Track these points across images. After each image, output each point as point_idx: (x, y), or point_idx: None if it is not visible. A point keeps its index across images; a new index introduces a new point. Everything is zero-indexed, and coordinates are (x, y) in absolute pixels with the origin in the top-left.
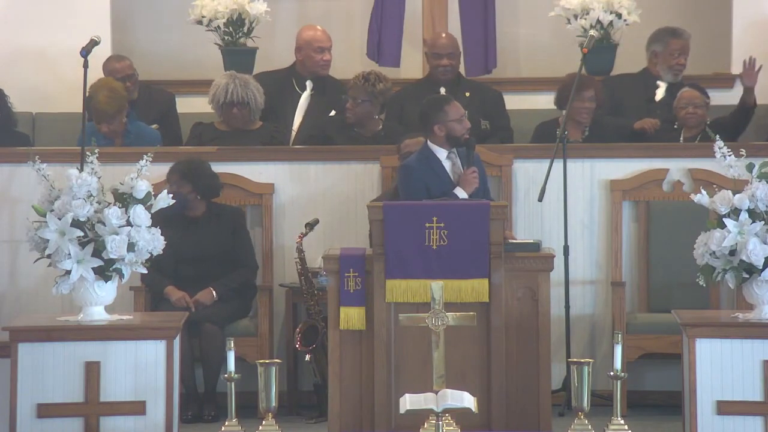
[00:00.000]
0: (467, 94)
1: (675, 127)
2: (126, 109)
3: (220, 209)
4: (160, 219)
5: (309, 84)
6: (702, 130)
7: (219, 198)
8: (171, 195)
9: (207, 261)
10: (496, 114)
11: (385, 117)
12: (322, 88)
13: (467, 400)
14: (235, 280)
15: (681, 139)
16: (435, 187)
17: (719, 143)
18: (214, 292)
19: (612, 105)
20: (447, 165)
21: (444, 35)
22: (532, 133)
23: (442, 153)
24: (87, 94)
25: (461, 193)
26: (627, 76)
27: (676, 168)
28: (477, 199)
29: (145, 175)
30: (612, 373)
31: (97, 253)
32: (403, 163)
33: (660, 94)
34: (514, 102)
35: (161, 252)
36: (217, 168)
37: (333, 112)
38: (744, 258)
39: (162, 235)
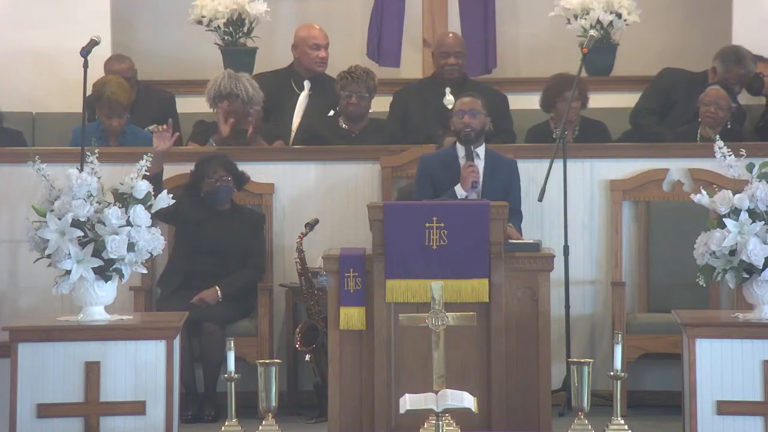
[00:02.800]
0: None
1: (699, 120)
2: (126, 112)
3: (243, 209)
4: (181, 210)
5: (307, 84)
6: (718, 132)
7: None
8: (216, 188)
9: (222, 255)
10: (500, 117)
11: (389, 115)
12: (320, 88)
13: (467, 400)
14: (241, 279)
15: (698, 136)
16: (441, 182)
17: (719, 143)
18: (219, 292)
19: (663, 102)
20: (463, 162)
21: (451, 35)
22: (524, 136)
23: (461, 150)
24: (90, 93)
25: (459, 190)
26: (684, 74)
27: (676, 168)
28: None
29: (145, 175)
30: (612, 373)
31: (97, 253)
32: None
33: None
34: (513, 102)
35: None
36: None
37: (332, 112)
38: (744, 258)
39: (185, 225)
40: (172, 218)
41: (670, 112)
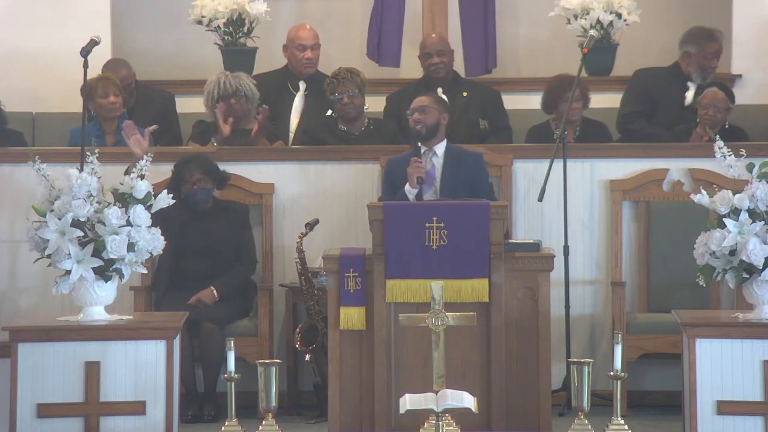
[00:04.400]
0: (465, 94)
1: (698, 121)
2: (121, 93)
3: (226, 204)
4: (163, 213)
5: (302, 85)
6: (717, 132)
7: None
8: (194, 191)
9: (213, 254)
10: (495, 113)
11: (383, 116)
12: (316, 88)
13: (467, 400)
14: (236, 277)
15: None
16: (402, 182)
17: (719, 143)
18: (215, 292)
19: (646, 102)
20: (428, 164)
21: (433, 35)
22: (525, 136)
23: (430, 151)
24: (86, 92)
25: (408, 188)
26: (658, 71)
27: (676, 168)
28: (456, 196)
29: (145, 174)
30: (612, 373)
31: (97, 253)
32: None
33: (689, 98)
34: (513, 102)
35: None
36: None
37: (330, 112)
38: (744, 258)
39: (168, 227)
40: (159, 220)
41: (657, 112)
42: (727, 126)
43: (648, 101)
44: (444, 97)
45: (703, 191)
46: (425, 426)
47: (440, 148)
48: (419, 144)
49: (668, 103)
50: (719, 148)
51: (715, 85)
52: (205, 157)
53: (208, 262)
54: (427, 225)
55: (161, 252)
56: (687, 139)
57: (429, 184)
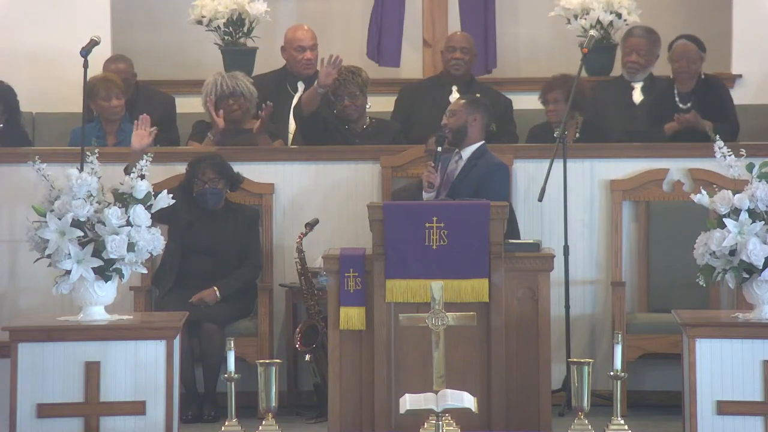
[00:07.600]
0: (478, 96)
1: (672, 77)
2: (123, 96)
3: (237, 206)
4: (172, 210)
5: (301, 85)
6: (696, 83)
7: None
8: (204, 190)
9: (218, 255)
10: (505, 120)
11: (392, 113)
12: None
13: (467, 400)
14: (239, 279)
15: (675, 94)
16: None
17: (719, 143)
18: (218, 292)
19: (595, 111)
20: (452, 165)
21: (459, 32)
22: (526, 135)
23: (456, 154)
24: (86, 91)
25: (423, 193)
26: (604, 84)
27: (676, 168)
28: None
29: (145, 174)
30: (612, 373)
31: (97, 253)
32: None
33: (637, 96)
34: (513, 102)
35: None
36: None
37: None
38: (744, 258)
39: (176, 224)
40: (167, 217)
41: (609, 118)
42: (702, 76)
43: (596, 112)
44: (458, 95)
45: (703, 191)
46: (425, 426)
47: (468, 150)
48: (438, 149)
49: (617, 107)
50: (719, 148)
51: (682, 37)
52: (219, 157)
53: (212, 262)
54: (427, 225)
55: (166, 249)
56: (670, 102)
57: (447, 186)
